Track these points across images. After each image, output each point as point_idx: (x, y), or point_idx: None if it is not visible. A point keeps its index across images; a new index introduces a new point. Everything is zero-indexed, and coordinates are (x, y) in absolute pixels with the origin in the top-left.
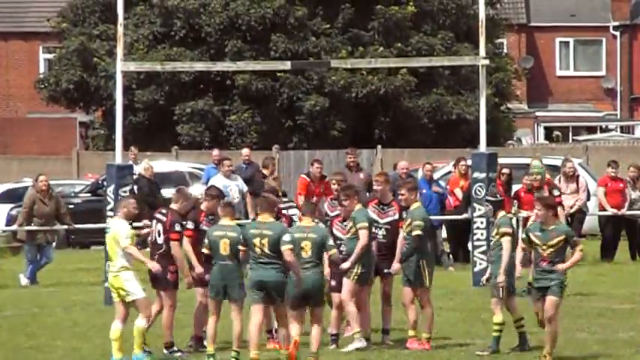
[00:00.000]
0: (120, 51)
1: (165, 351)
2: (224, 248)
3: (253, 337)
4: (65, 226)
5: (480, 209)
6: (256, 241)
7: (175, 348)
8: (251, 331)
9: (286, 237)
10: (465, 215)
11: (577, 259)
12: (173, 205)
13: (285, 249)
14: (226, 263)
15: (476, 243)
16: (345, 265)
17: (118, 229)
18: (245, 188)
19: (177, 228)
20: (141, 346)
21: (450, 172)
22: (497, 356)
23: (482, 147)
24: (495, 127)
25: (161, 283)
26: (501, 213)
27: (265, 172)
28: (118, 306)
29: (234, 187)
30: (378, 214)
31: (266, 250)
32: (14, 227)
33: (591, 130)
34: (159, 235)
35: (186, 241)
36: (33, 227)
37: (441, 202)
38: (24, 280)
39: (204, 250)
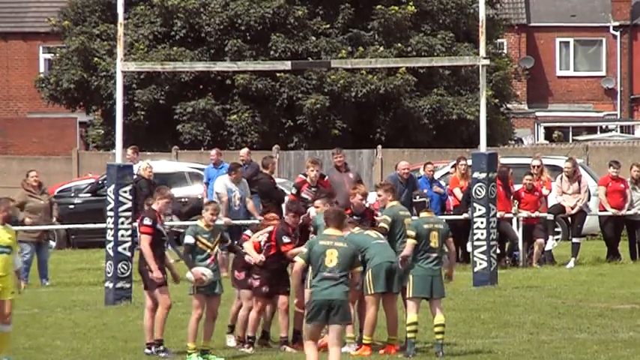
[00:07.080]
0: (120, 51)
1: (148, 350)
2: None
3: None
4: (62, 226)
5: (479, 209)
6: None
7: (162, 347)
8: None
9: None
10: (464, 215)
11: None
12: (153, 205)
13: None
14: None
15: (476, 243)
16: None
17: None
18: (249, 192)
19: (147, 222)
20: (7, 350)
21: (448, 173)
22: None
23: (483, 147)
24: (494, 129)
25: (146, 284)
26: (422, 214)
27: (266, 172)
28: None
29: (237, 194)
30: None
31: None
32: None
33: (591, 130)
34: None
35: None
36: (33, 227)
37: (442, 202)
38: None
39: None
